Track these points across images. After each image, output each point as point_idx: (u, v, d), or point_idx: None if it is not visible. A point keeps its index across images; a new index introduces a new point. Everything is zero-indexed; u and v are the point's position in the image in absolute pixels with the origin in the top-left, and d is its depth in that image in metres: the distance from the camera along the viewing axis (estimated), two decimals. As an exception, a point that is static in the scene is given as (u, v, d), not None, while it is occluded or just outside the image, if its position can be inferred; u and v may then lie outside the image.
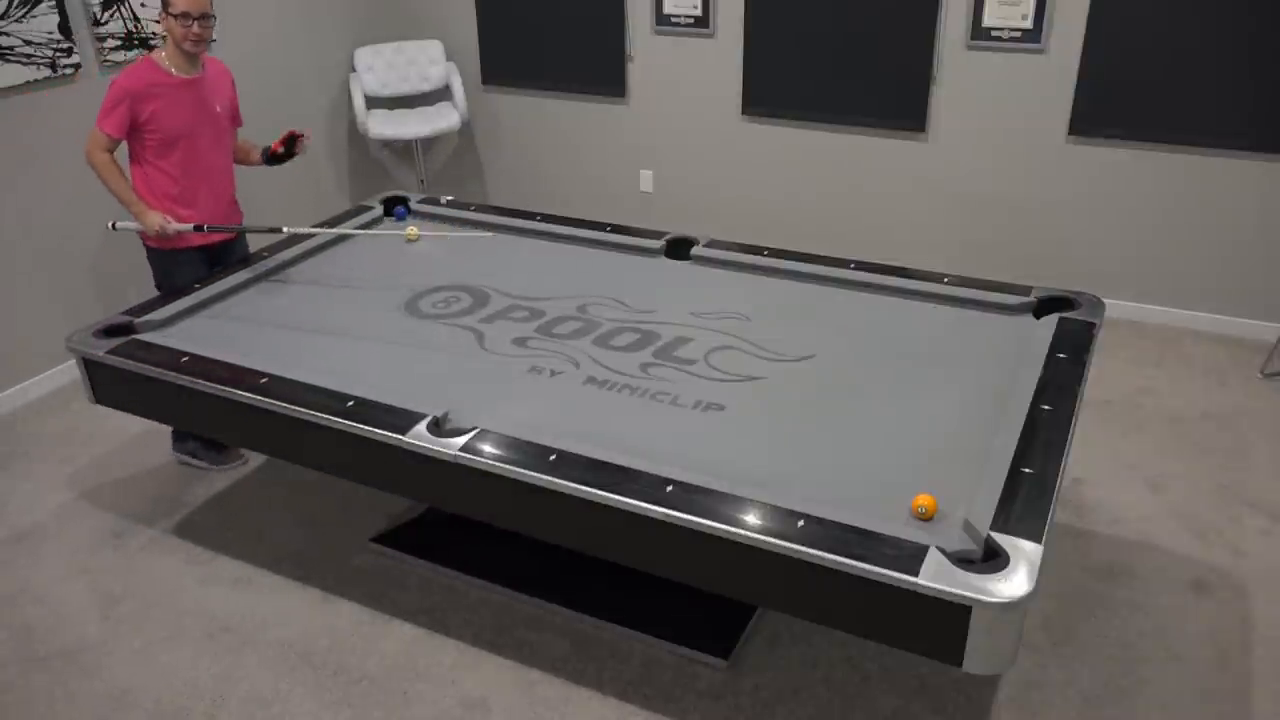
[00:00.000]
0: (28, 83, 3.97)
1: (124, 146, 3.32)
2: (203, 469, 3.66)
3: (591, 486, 2.21)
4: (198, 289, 3.25)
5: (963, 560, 1.97)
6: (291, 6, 5.16)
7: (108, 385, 2.96)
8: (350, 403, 2.56)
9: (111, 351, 2.87)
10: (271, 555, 3.23)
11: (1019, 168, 4.62)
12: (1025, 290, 3.09)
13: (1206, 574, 3.06)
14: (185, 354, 2.82)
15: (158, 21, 3.37)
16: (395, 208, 3.93)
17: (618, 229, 3.68)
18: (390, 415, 2.49)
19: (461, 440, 2.39)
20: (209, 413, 2.77)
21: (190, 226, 3.33)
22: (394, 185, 6.05)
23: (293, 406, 2.57)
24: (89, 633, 2.93)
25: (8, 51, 3.88)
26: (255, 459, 3.68)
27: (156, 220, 3.27)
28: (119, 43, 4.28)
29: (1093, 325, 2.87)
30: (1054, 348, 2.74)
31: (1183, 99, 4.19)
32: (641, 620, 2.85)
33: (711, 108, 5.17)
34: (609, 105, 5.43)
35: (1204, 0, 4.00)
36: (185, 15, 3.16)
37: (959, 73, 4.55)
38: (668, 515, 2.13)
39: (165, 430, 3.74)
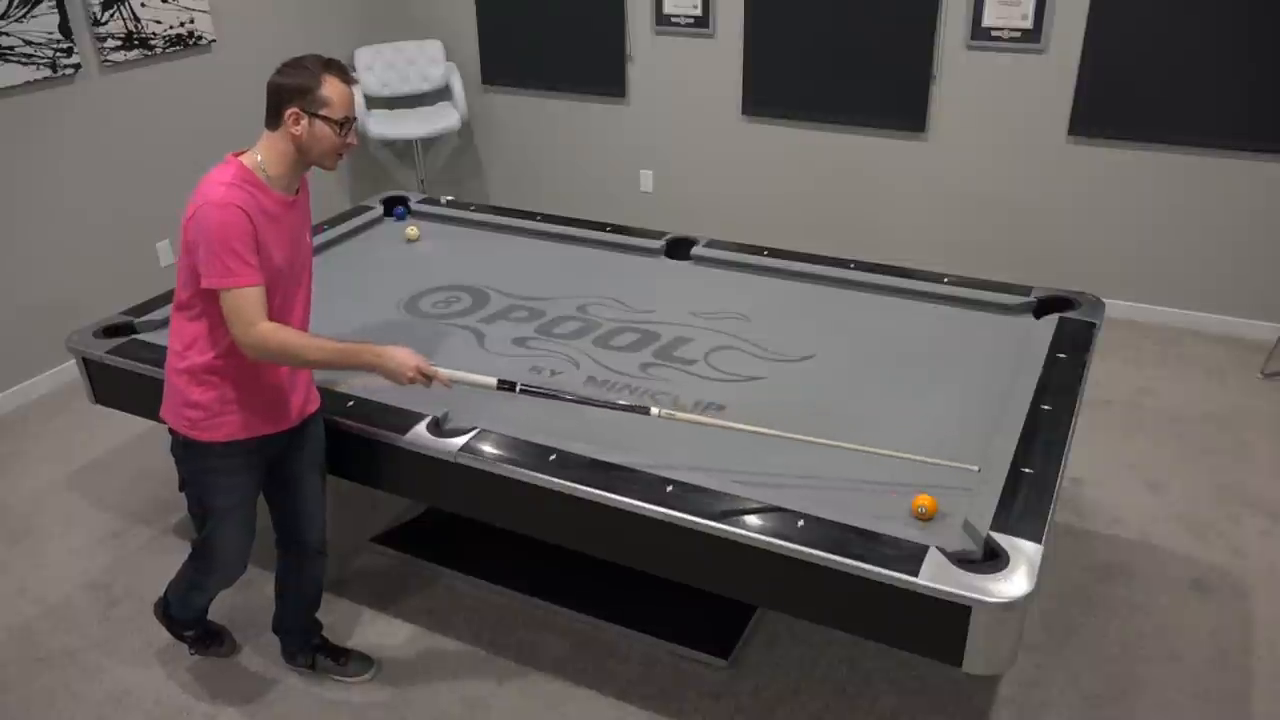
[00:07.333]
0: (28, 83, 3.97)
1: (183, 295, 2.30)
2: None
3: (591, 486, 2.22)
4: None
5: (963, 560, 1.97)
6: (291, 6, 5.16)
7: (108, 385, 2.96)
8: (350, 403, 2.56)
9: (111, 351, 2.87)
10: (271, 556, 3.21)
11: (1019, 168, 4.62)
12: (1025, 290, 3.09)
13: (1206, 574, 3.06)
14: (185, 354, 2.81)
15: (296, 124, 2.18)
16: (395, 208, 3.94)
17: (618, 229, 3.68)
18: (390, 415, 2.49)
19: (461, 440, 2.39)
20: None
21: (478, 377, 2.36)
22: (394, 185, 6.05)
23: (293, 406, 2.57)
24: (89, 633, 2.93)
25: (8, 51, 3.88)
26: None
27: (407, 360, 2.29)
28: (119, 43, 4.29)
29: (1093, 325, 2.87)
30: (1054, 348, 2.74)
31: (1183, 99, 4.18)
32: (641, 620, 2.85)
33: (711, 108, 5.17)
34: (609, 105, 5.43)
35: (1204, 0, 4.00)
36: (347, 122, 2.24)
37: (959, 73, 4.55)
38: (668, 515, 2.13)
39: (165, 430, 3.73)
